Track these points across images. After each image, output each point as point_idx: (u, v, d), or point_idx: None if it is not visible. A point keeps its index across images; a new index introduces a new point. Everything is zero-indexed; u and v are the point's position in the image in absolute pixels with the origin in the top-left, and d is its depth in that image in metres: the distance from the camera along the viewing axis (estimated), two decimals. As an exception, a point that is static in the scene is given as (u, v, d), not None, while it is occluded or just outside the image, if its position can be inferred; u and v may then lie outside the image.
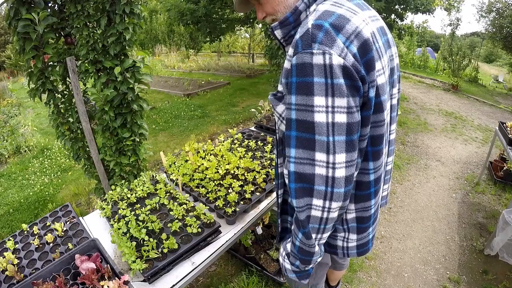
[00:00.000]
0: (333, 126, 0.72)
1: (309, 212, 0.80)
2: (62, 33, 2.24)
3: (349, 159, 0.75)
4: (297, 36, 0.74)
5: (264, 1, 0.89)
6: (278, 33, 0.86)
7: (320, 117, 0.72)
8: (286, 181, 0.85)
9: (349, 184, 0.78)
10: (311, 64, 0.70)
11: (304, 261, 0.91)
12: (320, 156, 0.74)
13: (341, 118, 0.72)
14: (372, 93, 0.76)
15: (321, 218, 0.80)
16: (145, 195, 1.65)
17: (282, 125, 0.90)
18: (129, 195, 1.63)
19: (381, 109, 0.82)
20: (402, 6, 7.74)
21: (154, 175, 1.87)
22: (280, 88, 0.87)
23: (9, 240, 1.43)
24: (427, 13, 8.01)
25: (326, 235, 0.87)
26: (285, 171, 0.86)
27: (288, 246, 0.97)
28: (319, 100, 0.71)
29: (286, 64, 0.80)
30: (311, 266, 0.94)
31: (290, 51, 0.77)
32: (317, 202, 0.78)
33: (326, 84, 0.70)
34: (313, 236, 0.84)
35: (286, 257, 0.99)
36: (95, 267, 1.16)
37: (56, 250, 1.35)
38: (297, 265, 0.93)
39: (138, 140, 2.44)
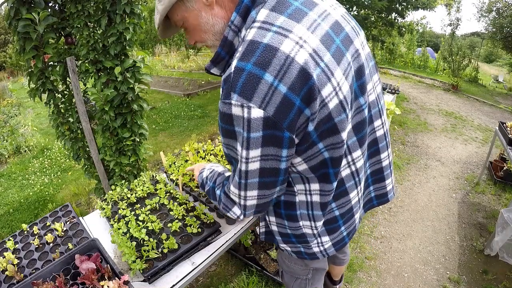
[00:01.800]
0: (246, 173, 0.76)
1: (227, 213, 0.94)
2: (62, 33, 2.24)
3: (261, 194, 0.82)
4: (222, 79, 0.69)
5: (191, 29, 0.83)
6: (215, 71, 0.82)
7: (238, 161, 0.77)
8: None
9: (262, 209, 0.89)
10: (231, 115, 0.68)
11: (208, 193, 1.07)
12: (233, 188, 0.85)
13: (254, 166, 0.74)
14: (312, 126, 0.70)
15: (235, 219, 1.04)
16: (145, 195, 1.65)
17: None
18: (129, 195, 1.63)
19: (337, 131, 0.75)
20: (403, 5, 7.74)
21: (154, 175, 1.87)
22: None
23: (9, 240, 1.43)
24: (428, 9, 8.01)
25: None
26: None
27: (220, 170, 1.09)
28: (239, 148, 0.73)
29: None
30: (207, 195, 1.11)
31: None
32: (235, 210, 0.91)
33: (242, 136, 0.69)
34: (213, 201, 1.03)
35: (211, 170, 1.12)
36: (95, 267, 1.16)
37: (56, 250, 1.35)
38: (207, 184, 1.08)
39: (138, 140, 2.44)
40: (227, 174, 1.05)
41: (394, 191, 1.20)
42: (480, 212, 3.11)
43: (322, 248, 1.05)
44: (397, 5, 7.68)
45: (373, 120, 0.97)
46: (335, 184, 0.86)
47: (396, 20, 8.50)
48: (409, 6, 7.76)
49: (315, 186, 0.87)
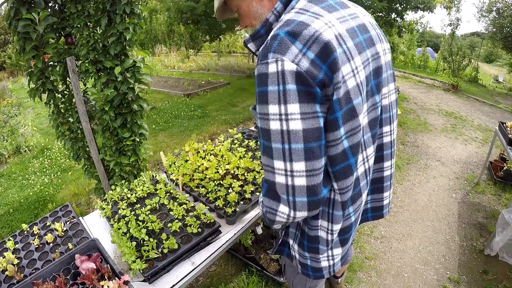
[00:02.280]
0: (288, 133, 0.72)
1: (274, 217, 0.83)
2: (62, 33, 2.24)
3: (310, 167, 0.73)
4: (260, 49, 0.76)
5: (243, 15, 0.94)
6: (251, 46, 0.89)
7: (274, 125, 0.73)
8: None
9: (315, 194, 0.76)
10: (266, 74, 0.71)
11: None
12: (278, 164, 0.75)
13: (295, 125, 0.71)
14: (336, 95, 0.73)
15: (285, 223, 0.90)
16: (145, 195, 1.65)
17: None
18: (129, 195, 1.63)
19: (355, 114, 0.77)
20: (402, 6, 7.75)
21: (154, 175, 1.87)
22: None
23: (9, 240, 1.43)
24: (428, 11, 8.02)
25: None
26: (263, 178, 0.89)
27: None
28: (272, 108, 0.72)
29: None
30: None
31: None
32: (282, 209, 0.80)
33: (278, 91, 0.70)
34: (275, 226, 0.95)
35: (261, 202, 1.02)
36: (95, 267, 1.16)
37: (56, 250, 1.35)
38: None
39: (138, 140, 2.44)
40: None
41: (389, 208, 1.19)
42: (480, 212, 3.11)
43: (331, 263, 1.01)
44: (397, 5, 7.69)
45: (383, 125, 0.98)
46: (353, 177, 0.85)
47: (395, 21, 8.52)
48: (408, 7, 7.78)
49: (335, 185, 0.86)
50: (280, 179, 0.76)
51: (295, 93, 0.69)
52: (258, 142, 1.06)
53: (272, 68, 0.70)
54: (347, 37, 0.77)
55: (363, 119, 0.83)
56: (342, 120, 0.75)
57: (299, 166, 0.73)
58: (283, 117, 0.71)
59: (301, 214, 0.78)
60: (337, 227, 0.92)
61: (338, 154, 0.79)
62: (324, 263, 1.00)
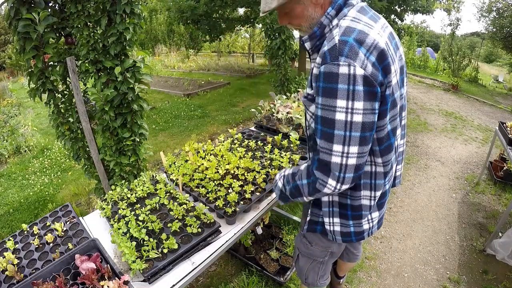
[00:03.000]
0: (350, 124, 0.89)
1: (323, 188, 0.99)
2: (62, 33, 2.24)
3: (360, 151, 0.92)
4: (325, 48, 0.89)
5: (294, 15, 1.03)
6: (307, 44, 1.04)
7: (339, 116, 0.89)
8: (312, 154, 1.08)
9: (358, 171, 0.96)
10: (337, 73, 0.86)
11: (292, 195, 1.18)
12: (336, 147, 0.92)
13: (358, 118, 0.88)
14: (388, 91, 0.92)
15: (328, 194, 1.06)
16: (145, 195, 1.65)
17: (313, 123, 1.04)
18: (129, 195, 1.63)
19: (396, 104, 0.99)
20: (402, 7, 7.75)
21: (154, 175, 1.87)
22: (309, 91, 1.06)
23: (9, 240, 1.43)
24: (427, 13, 8.02)
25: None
26: (314, 148, 1.09)
27: (291, 172, 1.21)
28: (340, 102, 0.87)
29: (315, 71, 0.96)
30: (292, 200, 1.23)
31: (318, 60, 0.92)
32: (331, 182, 0.97)
33: (348, 90, 0.86)
34: (314, 196, 1.08)
35: (283, 177, 1.25)
36: (95, 267, 1.16)
37: (56, 250, 1.35)
38: (286, 189, 1.20)
39: (138, 140, 2.44)
40: (302, 167, 1.15)
41: (400, 179, 1.38)
42: (480, 212, 3.11)
43: (371, 225, 1.19)
44: (396, 7, 7.68)
45: (403, 109, 1.17)
46: (393, 153, 1.06)
47: (395, 23, 8.51)
48: (408, 9, 7.77)
49: (378, 160, 1.04)
50: (335, 159, 0.93)
51: (362, 93, 0.86)
52: (307, 132, 1.22)
53: (343, 69, 0.84)
54: (389, 43, 0.96)
55: (399, 106, 1.03)
56: (389, 110, 0.96)
57: (354, 149, 0.91)
58: (349, 110, 0.87)
59: (345, 187, 0.97)
60: (379, 193, 1.12)
61: (384, 136, 1.00)
62: (366, 226, 1.18)
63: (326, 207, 1.19)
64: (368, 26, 0.91)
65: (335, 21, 0.96)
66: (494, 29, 10.81)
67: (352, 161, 0.92)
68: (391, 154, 1.05)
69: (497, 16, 10.66)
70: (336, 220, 1.19)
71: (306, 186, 1.08)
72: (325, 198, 1.17)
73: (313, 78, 0.99)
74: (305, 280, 1.52)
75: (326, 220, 1.21)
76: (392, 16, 8.24)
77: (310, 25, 1.02)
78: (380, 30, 0.95)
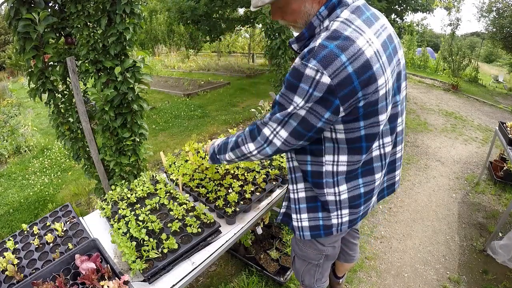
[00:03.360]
0: (293, 114, 0.92)
1: (240, 145, 1.12)
2: (62, 33, 2.24)
3: (288, 139, 0.98)
4: (306, 49, 0.87)
5: (289, 12, 0.98)
6: (295, 46, 1.02)
7: (290, 108, 0.92)
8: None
9: (275, 153, 1.06)
10: (303, 73, 0.85)
11: (219, 148, 1.28)
12: (272, 124, 0.99)
13: (301, 112, 0.91)
14: (361, 103, 0.88)
15: (241, 155, 1.16)
16: (145, 195, 1.65)
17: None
18: (129, 195, 1.63)
19: (377, 113, 0.94)
20: (402, 7, 7.75)
21: (154, 175, 1.87)
22: None
23: (9, 240, 1.43)
24: (427, 12, 8.03)
25: (235, 160, 1.25)
26: (256, 122, 1.12)
27: (220, 141, 1.31)
28: (297, 99, 0.89)
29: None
30: (216, 156, 1.31)
31: (297, 58, 0.90)
32: (251, 146, 1.08)
33: (307, 91, 0.86)
34: (230, 154, 1.21)
35: (215, 145, 1.33)
36: (95, 267, 1.16)
37: (56, 250, 1.35)
38: (219, 146, 1.30)
39: (138, 140, 2.44)
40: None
41: (399, 183, 1.37)
42: (480, 212, 3.11)
43: (340, 221, 1.17)
44: (397, 6, 7.69)
45: (399, 115, 1.13)
46: (363, 156, 1.03)
47: (395, 22, 8.51)
48: (408, 8, 7.78)
49: (343, 158, 1.03)
50: (267, 131, 1.02)
51: (317, 98, 0.86)
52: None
53: (310, 72, 0.84)
54: (382, 52, 0.90)
55: (386, 116, 0.99)
56: (362, 118, 0.93)
57: (283, 133, 0.98)
58: (296, 105, 0.90)
59: (258, 157, 1.11)
60: (343, 188, 1.10)
61: (355, 137, 0.98)
62: (334, 221, 1.17)
63: (293, 204, 1.22)
64: (357, 31, 0.85)
65: (326, 23, 0.91)
66: (494, 29, 10.81)
67: (277, 141, 1.00)
68: (359, 157, 1.03)
69: (497, 16, 10.67)
70: (304, 216, 1.21)
71: (233, 142, 1.18)
72: (292, 195, 1.22)
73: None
74: (302, 282, 1.51)
75: (294, 216, 1.23)
76: (393, 16, 8.25)
77: (306, 22, 0.97)
78: (373, 36, 0.89)
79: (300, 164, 1.14)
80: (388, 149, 1.10)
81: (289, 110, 0.92)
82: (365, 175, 1.10)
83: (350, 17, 0.88)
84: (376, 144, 1.05)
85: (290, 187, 1.23)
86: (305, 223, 1.21)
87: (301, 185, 1.19)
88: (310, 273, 1.44)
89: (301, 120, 0.92)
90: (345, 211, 1.16)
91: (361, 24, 0.88)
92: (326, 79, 0.82)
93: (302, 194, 1.19)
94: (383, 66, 0.89)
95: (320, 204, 1.17)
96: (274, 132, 1.00)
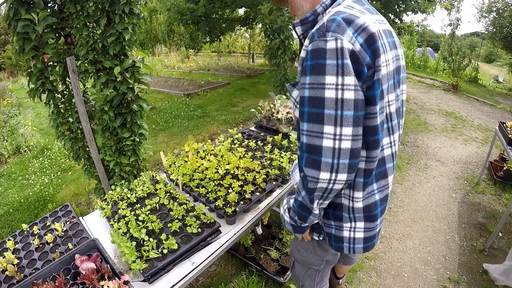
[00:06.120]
0: (342, 101, 0.81)
1: (316, 185, 0.88)
2: (61, 33, 2.24)
3: (355, 133, 0.83)
4: (313, 29, 0.85)
5: (291, 6, 1.04)
6: (298, 29, 0.99)
7: (329, 93, 0.81)
8: (299, 152, 0.94)
9: (354, 158, 0.85)
10: (325, 49, 0.80)
11: (302, 218, 1.05)
12: (327, 128, 0.83)
13: (349, 94, 0.81)
14: (377, 76, 0.85)
15: (326, 188, 0.89)
16: (145, 195, 1.65)
17: (297, 110, 0.96)
18: (129, 195, 1.63)
19: (383, 96, 0.90)
20: (401, 8, 7.77)
21: (154, 175, 1.87)
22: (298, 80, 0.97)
23: (9, 240, 1.43)
24: (426, 13, 8.04)
25: (327, 201, 0.97)
26: (298, 143, 0.96)
27: (291, 201, 1.09)
28: (329, 79, 0.81)
29: (302, 54, 0.89)
30: (307, 224, 1.08)
31: (307, 42, 0.87)
32: (323, 175, 0.86)
33: (337, 65, 0.80)
34: (316, 201, 0.94)
35: (287, 210, 1.15)
36: (95, 267, 1.16)
37: (56, 250, 1.35)
38: (295, 220, 1.08)
39: (138, 140, 2.44)
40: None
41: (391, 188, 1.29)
42: (480, 212, 3.11)
43: (352, 235, 1.06)
44: (395, 7, 7.69)
45: (399, 116, 1.08)
46: (378, 151, 0.94)
47: (394, 22, 8.52)
48: (407, 9, 7.79)
49: (363, 153, 0.94)
50: (327, 142, 0.84)
51: (350, 67, 0.80)
52: (295, 121, 1.08)
53: (331, 44, 0.80)
54: (384, 35, 0.90)
55: (391, 106, 0.96)
56: (378, 98, 0.87)
57: (347, 130, 0.82)
58: (339, 87, 0.80)
59: (342, 177, 0.86)
60: (358, 194, 1.00)
61: (374, 126, 0.89)
62: (346, 233, 1.07)
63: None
64: (360, 12, 0.86)
65: (328, 10, 0.93)
66: (494, 29, 10.81)
67: (346, 144, 0.83)
68: (376, 152, 0.93)
69: (497, 16, 10.67)
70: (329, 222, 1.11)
71: (306, 195, 0.94)
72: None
73: (300, 62, 0.91)
74: (302, 287, 1.48)
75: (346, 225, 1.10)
76: (392, 16, 8.26)
77: (302, 15, 0.99)
78: (375, 20, 0.90)
79: None
80: (396, 147, 1.05)
81: (330, 95, 0.81)
82: (379, 179, 1.02)
83: (352, 4, 0.91)
84: (387, 140, 0.99)
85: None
86: (359, 234, 1.07)
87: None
88: (311, 278, 1.42)
89: (355, 103, 0.82)
90: (360, 224, 1.05)
91: (363, 9, 0.90)
92: (348, 45, 0.80)
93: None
94: (384, 46, 0.88)
95: (332, 211, 1.08)
96: (337, 136, 0.83)
